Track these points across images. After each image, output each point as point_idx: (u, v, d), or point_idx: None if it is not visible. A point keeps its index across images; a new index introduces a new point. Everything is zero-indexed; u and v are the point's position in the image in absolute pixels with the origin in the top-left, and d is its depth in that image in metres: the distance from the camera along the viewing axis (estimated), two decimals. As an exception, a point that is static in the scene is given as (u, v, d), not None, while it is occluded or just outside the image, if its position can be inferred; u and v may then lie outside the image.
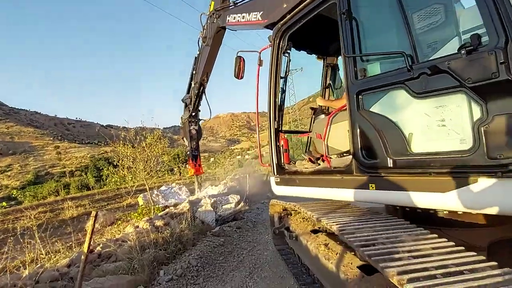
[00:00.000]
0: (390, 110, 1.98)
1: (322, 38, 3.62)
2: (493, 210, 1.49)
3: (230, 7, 5.25)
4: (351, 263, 2.19)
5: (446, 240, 1.69)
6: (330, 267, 2.40)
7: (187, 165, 8.38)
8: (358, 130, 2.12)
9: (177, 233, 4.83)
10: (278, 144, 3.16)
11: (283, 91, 3.31)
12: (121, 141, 7.33)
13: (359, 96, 2.12)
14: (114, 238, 4.74)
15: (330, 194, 2.51)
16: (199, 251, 4.77)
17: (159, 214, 6.31)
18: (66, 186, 30.69)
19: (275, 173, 3.14)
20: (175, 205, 7.90)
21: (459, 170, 1.61)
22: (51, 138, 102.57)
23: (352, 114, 2.16)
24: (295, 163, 3.13)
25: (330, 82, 3.98)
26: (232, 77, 3.82)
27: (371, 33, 2.19)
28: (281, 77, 3.20)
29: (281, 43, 3.09)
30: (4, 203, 14.65)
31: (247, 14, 4.43)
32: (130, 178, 7.77)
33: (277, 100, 3.17)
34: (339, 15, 2.25)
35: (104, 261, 4.02)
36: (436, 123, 1.73)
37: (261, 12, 4.12)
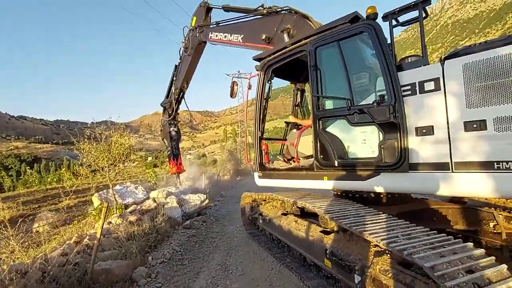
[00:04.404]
0: (337, 131, 3.25)
1: (294, 69, 4.81)
2: (388, 190, 2.85)
3: (212, 26, 6.06)
4: (316, 230, 3.38)
5: (373, 209, 3.00)
6: (300, 235, 3.56)
7: (169, 164, 8.69)
8: (318, 142, 3.33)
9: (156, 226, 5.36)
10: (260, 148, 4.19)
11: (266, 109, 4.34)
12: (85, 139, 7.21)
13: (319, 121, 3.34)
14: (93, 232, 4.98)
15: (299, 184, 3.69)
16: (177, 240, 5.42)
17: (128, 211, 6.58)
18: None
19: (258, 170, 4.16)
20: (135, 204, 8.09)
21: (371, 168, 2.94)
22: None
23: (315, 131, 3.37)
24: (273, 163, 4.22)
25: (299, 101, 5.24)
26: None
27: (328, 82, 3.43)
28: (265, 99, 4.25)
29: (266, 74, 4.14)
30: None
31: (229, 34, 5.37)
32: (92, 177, 7.59)
33: (261, 115, 4.21)
34: (309, 66, 3.43)
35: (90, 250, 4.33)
36: (361, 141, 3.04)
37: (242, 36, 5.11)
